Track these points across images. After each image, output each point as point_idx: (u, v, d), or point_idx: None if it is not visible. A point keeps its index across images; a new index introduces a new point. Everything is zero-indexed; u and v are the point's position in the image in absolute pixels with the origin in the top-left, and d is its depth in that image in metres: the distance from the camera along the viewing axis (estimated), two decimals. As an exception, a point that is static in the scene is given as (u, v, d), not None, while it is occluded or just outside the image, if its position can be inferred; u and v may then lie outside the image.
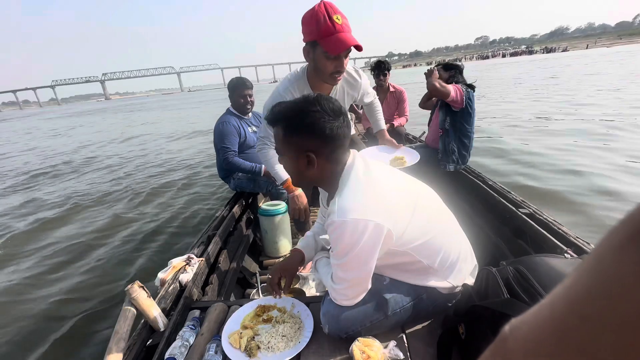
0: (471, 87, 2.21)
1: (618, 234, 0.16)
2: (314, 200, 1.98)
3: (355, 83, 1.65)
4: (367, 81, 1.71)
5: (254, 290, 1.82)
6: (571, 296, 0.17)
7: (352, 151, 0.96)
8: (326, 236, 1.20)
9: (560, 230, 1.31)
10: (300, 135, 0.89)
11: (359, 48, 1.29)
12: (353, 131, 3.35)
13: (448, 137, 2.23)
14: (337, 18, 1.26)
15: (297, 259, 1.17)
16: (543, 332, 0.18)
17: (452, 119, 2.21)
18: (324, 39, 1.28)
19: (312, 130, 0.87)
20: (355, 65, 1.67)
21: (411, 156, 1.86)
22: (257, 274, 1.92)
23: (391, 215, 0.85)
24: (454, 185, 2.29)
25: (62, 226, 3.67)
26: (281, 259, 2.12)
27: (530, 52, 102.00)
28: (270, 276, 1.14)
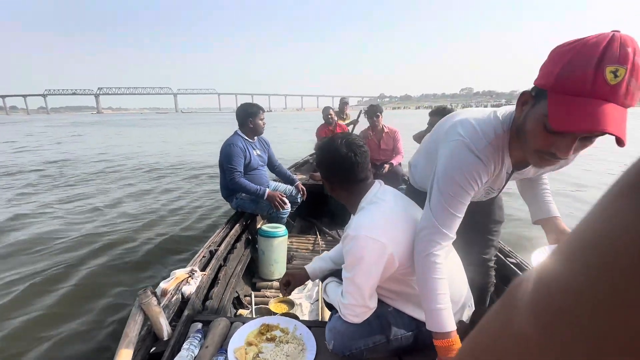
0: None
1: (620, 183, 0.16)
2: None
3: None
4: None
5: (247, 312, 1.84)
6: (575, 246, 0.18)
7: (380, 182, 1.11)
8: (330, 277, 1.32)
9: None
10: (338, 175, 1.09)
11: (620, 142, 0.67)
12: None
13: None
14: (614, 72, 0.65)
15: (304, 273, 1.36)
16: (549, 282, 0.18)
17: None
18: (561, 96, 0.70)
19: (347, 170, 1.05)
20: None
21: None
22: (252, 295, 1.94)
23: (396, 241, 0.96)
24: None
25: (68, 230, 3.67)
26: (274, 282, 2.15)
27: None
28: (283, 282, 1.36)
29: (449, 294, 0.93)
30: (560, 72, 0.69)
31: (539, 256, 1.07)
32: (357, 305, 0.99)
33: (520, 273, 1.53)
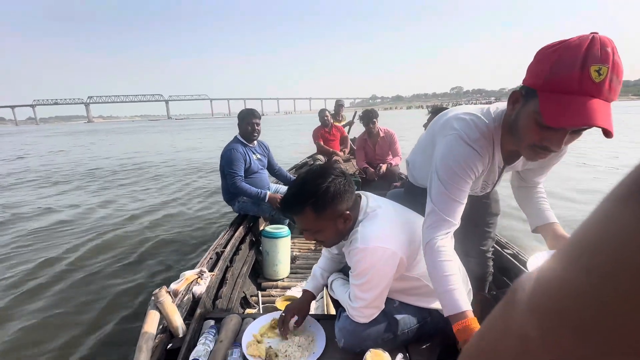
0: None
1: (621, 188, 0.16)
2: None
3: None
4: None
5: (254, 311, 1.88)
6: (576, 251, 0.18)
7: (364, 192, 1.13)
8: (335, 273, 1.32)
9: None
10: (332, 205, 1.00)
11: (607, 134, 0.75)
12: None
13: None
14: (597, 70, 0.72)
15: (309, 299, 1.26)
16: (550, 285, 0.19)
17: None
18: (551, 94, 0.77)
19: (339, 196, 1.00)
20: None
21: None
22: (259, 295, 1.99)
23: (403, 245, 1.01)
24: None
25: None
26: (279, 282, 2.20)
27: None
28: (283, 314, 1.20)
29: (459, 275, 0.96)
30: (548, 72, 0.76)
31: (535, 261, 1.10)
32: (366, 308, 1.03)
33: (517, 263, 1.60)
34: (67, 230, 3.91)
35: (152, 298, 1.17)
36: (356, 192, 1.12)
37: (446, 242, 0.96)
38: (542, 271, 0.20)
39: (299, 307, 1.23)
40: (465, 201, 0.99)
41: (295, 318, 1.19)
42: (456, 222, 0.98)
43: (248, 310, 1.90)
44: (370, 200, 1.09)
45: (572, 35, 0.79)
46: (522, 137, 0.88)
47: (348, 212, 1.03)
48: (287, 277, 2.26)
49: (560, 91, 0.75)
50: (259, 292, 2.03)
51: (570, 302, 0.17)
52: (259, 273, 2.32)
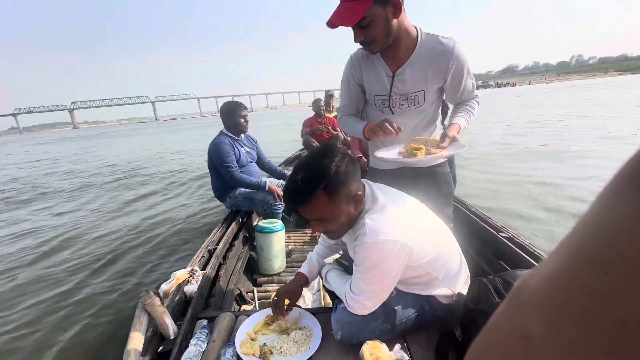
0: None
1: (620, 177, 0.16)
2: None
3: (442, 48, 1.18)
4: (467, 58, 1.21)
5: (250, 307, 1.85)
6: (578, 242, 0.18)
7: (365, 180, 1.08)
8: (330, 259, 1.30)
9: (535, 252, 1.48)
10: (343, 185, 0.94)
11: (330, 25, 1.09)
12: None
13: None
14: None
15: (301, 282, 1.24)
16: (552, 280, 0.18)
17: None
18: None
19: (350, 175, 0.94)
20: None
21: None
22: (255, 291, 1.96)
23: (412, 235, 0.96)
24: None
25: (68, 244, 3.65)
26: (275, 277, 2.17)
27: (485, 87, 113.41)
28: (275, 298, 1.18)
29: None
30: None
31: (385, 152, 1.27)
32: (368, 300, 0.99)
33: (512, 246, 1.58)
34: (50, 234, 3.82)
35: (140, 301, 1.12)
36: (363, 180, 1.08)
37: None
38: (544, 265, 0.19)
39: (291, 290, 1.20)
40: None
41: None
42: None
43: (244, 307, 1.87)
44: (374, 189, 1.04)
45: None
46: None
47: (360, 192, 0.98)
48: (283, 272, 2.23)
49: None
50: (255, 288, 2.00)
51: (574, 295, 0.17)
52: (255, 269, 2.29)
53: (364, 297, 0.99)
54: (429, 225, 1.05)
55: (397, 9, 1.07)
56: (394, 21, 1.10)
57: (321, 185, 0.91)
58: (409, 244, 0.93)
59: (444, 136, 1.20)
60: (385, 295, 1.01)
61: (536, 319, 0.19)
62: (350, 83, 1.33)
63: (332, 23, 1.06)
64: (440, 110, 1.41)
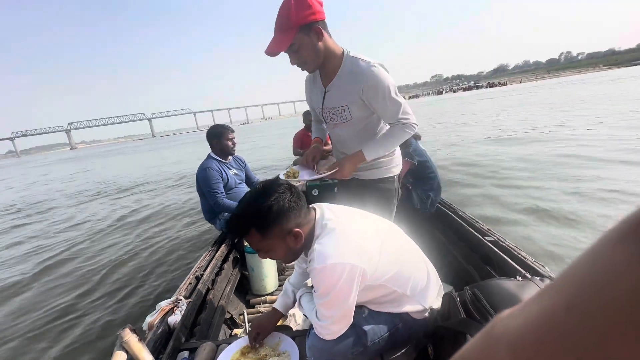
0: (417, 137, 2.47)
1: (617, 230, 0.16)
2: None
3: (357, 70, 1.27)
4: (384, 82, 1.25)
5: (241, 330, 1.84)
6: (560, 288, 0.18)
7: (318, 205, 1.09)
8: (309, 281, 1.30)
9: (519, 255, 1.46)
10: (277, 223, 0.96)
11: (268, 53, 1.22)
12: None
13: (416, 190, 2.44)
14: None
15: (275, 318, 1.28)
16: (528, 320, 0.19)
17: (412, 175, 2.44)
18: None
19: (284, 214, 0.96)
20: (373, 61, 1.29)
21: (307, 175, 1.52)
22: (245, 314, 1.94)
23: (364, 256, 0.95)
24: (430, 218, 2.46)
25: (54, 268, 3.65)
26: (267, 296, 2.15)
27: (478, 87, 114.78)
28: (250, 328, 1.22)
29: None
30: None
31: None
32: (333, 324, 0.99)
33: (498, 251, 1.56)
34: (33, 259, 3.82)
35: (117, 339, 1.12)
36: (312, 205, 1.08)
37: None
38: (524, 306, 0.20)
39: (261, 325, 1.25)
40: None
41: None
42: None
43: (235, 331, 1.86)
44: (325, 213, 1.04)
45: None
46: None
47: (297, 229, 0.98)
48: (276, 291, 2.22)
49: None
50: (245, 310, 1.99)
51: (547, 336, 0.17)
52: (248, 290, 2.27)
53: (328, 322, 0.98)
54: (385, 241, 1.03)
55: (320, 34, 1.23)
56: (319, 44, 1.25)
57: (252, 223, 0.96)
58: (359, 265, 0.93)
59: (334, 163, 1.47)
60: (349, 317, 1.00)
61: (506, 354, 0.19)
62: (307, 96, 1.58)
63: (270, 51, 1.21)
64: (383, 124, 1.46)
